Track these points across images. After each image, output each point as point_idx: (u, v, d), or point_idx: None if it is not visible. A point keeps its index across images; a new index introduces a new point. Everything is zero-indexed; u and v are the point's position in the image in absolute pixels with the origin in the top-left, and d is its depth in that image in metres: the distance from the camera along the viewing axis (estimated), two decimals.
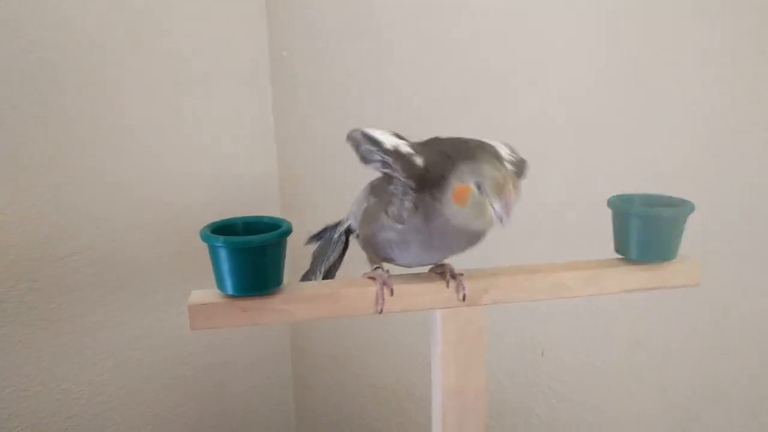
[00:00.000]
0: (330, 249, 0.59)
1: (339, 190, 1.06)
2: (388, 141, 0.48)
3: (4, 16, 0.78)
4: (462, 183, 0.44)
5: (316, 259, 0.59)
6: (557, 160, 0.77)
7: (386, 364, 1.07)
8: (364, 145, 0.48)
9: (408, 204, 0.46)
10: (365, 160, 0.49)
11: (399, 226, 0.48)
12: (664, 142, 0.69)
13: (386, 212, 0.49)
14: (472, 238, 0.47)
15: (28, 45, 0.80)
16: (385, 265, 0.52)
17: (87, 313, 0.91)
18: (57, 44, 0.84)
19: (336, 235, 0.58)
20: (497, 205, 0.43)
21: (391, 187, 0.48)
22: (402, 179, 0.46)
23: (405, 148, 0.47)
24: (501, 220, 0.43)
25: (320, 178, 1.09)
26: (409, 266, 0.52)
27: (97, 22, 0.88)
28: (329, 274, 0.59)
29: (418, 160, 0.46)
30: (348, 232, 0.59)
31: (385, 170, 0.47)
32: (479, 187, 0.43)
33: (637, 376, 0.77)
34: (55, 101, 0.84)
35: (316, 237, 0.61)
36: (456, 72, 0.87)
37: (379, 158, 0.47)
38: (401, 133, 0.50)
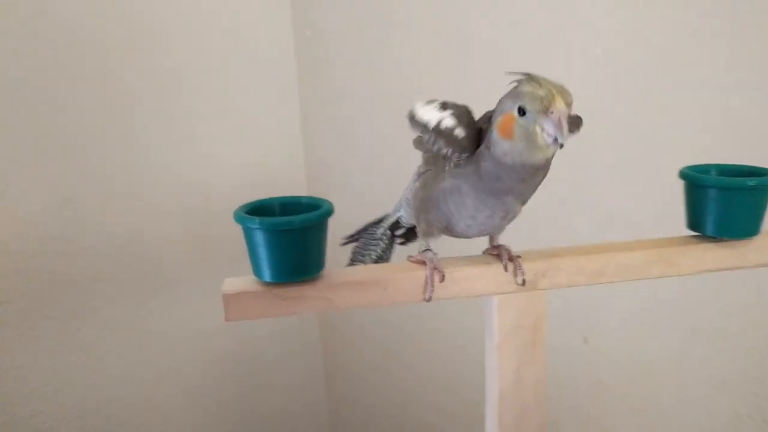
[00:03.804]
0: (372, 246, 0.54)
1: (367, 174, 1.01)
2: (433, 118, 0.43)
3: (29, 14, 0.75)
4: (502, 114, 0.39)
5: (356, 256, 0.54)
6: (614, 128, 0.72)
7: (422, 357, 1.03)
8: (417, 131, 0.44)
9: (463, 156, 0.43)
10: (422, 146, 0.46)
11: (454, 176, 0.43)
12: (730, 107, 0.63)
13: (441, 172, 0.45)
14: (532, 174, 0.41)
15: (54, 37, 0.77)
16: (435, 246, 0.48)
17: (107, 305, 0.88)
18: (80, 28, 0.80)
19: (379, 231, 0.53)
20: (547, 125, 0.37)
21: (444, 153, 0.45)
22: (452, 155, 0.42)
23: (447, 121, 0.43)
24: (555, 141, 0.37)
25: (348, 162, 1.05)
26: (468, 233, 0.46)
27: (126, 6, 0.84)
28: None
29: (460, 132, 0.42)
30: (394, 229, 0.54)
31: (437, 150, 0.43)
32: (522, 112, 0.38)
33: (693, 367, 0.72)
34: (76, 87, 0.81)
35: (354, 237, 0.56)
36: (491, 49, 0.82)
37: (429, 139, 0.43)
38: (451, 100, 0.45)
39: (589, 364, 0.81)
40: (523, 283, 0.46)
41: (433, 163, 0.46)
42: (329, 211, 0.44)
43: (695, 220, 0.48)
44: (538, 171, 0.41)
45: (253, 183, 1.03)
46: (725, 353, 0.69)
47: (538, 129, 0.37)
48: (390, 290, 0.45)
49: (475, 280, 0.46)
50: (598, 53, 0.72)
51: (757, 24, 0.60)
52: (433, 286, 0.45)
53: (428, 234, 0.47)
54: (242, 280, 0.45)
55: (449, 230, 0.46)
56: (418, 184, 0.48)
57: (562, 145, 0.37)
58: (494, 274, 0.46)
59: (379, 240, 0.53)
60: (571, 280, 0.47)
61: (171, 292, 0.95)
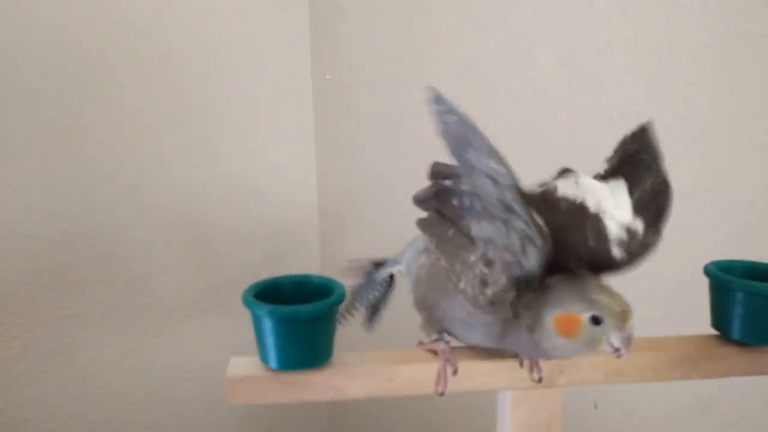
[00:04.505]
0: (370, 289, 0.52)
1: (382, 224, 1.00)
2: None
3: (51, 16, 0.75)
4: (566, 311, 0.37)
5: (353, 297, 0.53)
6: None
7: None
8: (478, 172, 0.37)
9: (489, 293, 0.38)
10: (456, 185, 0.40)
11: (469, 308, 0.40)
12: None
13: (456, 284, 0.40)
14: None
15: (72, 67, 0.77)
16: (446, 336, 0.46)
17: (114, 341, 0.87)
18: (105, 67, 0.80)
19: (380, 277, 0.52)
20: (616, 340, 0.36)
21: (471, 257, 0.39)
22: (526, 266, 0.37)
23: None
24: (618, 354, 0.37)
25: (362, 210, 1.04)
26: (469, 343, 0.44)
27: (148, 41, 0.85)
28: (374, 316, 0.53)
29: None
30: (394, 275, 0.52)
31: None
32: (598, 321, 0.36)
33: None
34: (93, 119, 0.81)
35: (359, 269, 0.54)
36: (513, 96, 0.80)
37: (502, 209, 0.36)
38: None
39: (600, 430, 0.78)
40: (540, 380, 0.44)
41: (449, 254, 0.42)
42: (341, 298, 0.42)
43: (721, 322, 0.46)
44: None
45: (265, 222, 1.02)
46: (736, 424, 0.66)
47: (604, 338, 0.37)
48: (398, 382, 0.43)
49: (489, 374, 0.44)
50: (615, 115, 0.70)
51: None
52: (446, 380, 0.43)
53: (429, 325, 0.46)
54: (249, 363, 0.44)
55: (448, 333, 0.45)
56: (424, 269, 0.45)
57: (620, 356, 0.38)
58: (509, 368, 0.44)
59: (378, 285, 0.52)
60: (589, 377, 0.45)
61: (177, 328, 0.94)
